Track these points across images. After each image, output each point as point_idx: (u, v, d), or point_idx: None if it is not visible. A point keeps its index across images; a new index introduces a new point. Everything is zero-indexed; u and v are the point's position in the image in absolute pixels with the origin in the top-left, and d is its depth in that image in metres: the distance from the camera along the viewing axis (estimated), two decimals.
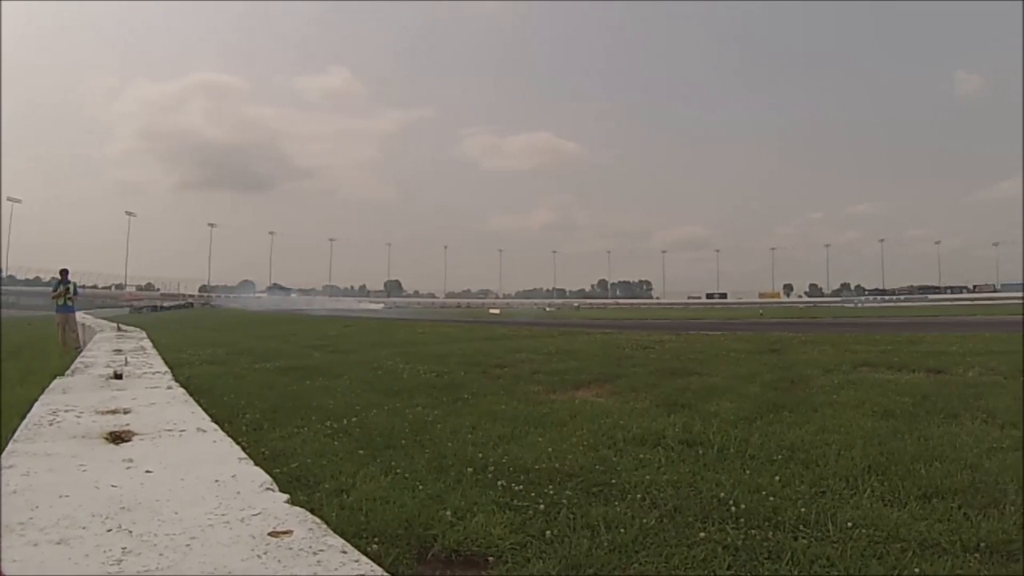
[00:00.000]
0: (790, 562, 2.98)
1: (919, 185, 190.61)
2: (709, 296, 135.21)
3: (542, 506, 3.69)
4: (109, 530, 1.24)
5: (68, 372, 4.02)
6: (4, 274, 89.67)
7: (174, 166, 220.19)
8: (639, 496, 3.87)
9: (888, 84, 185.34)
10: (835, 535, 3.23)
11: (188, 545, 1.18)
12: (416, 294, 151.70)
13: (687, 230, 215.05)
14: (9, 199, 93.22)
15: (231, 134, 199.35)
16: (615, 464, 4.52)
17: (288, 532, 1.24)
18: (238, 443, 2.04)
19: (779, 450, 4.79)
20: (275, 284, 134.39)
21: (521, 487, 4.01)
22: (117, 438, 1.97)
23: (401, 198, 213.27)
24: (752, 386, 7.95)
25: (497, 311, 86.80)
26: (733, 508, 3.60)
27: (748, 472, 4.28)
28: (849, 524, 3.34)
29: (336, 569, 1.10)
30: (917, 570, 2.86)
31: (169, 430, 2.11)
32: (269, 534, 1.23)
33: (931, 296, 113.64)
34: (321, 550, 1.16)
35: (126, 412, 2.41)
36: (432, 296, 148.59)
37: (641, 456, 4.73)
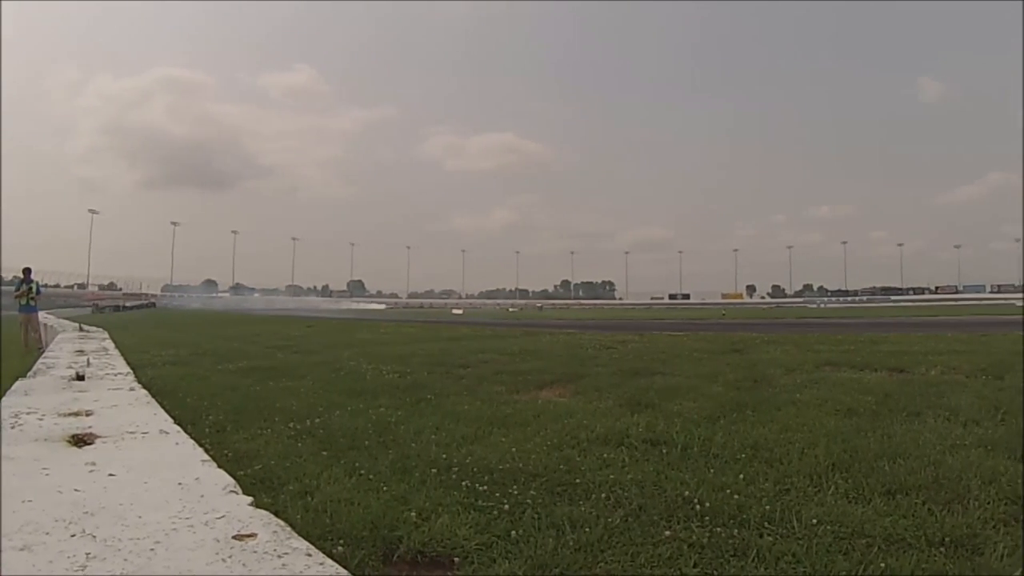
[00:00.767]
0: (756, 559, 3.00)
1: (881, 188, 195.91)
2: (672, 297, 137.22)
3: (507, 506, 3.69)
4: (73, 535, 1.24)
5: (30, 373, 3.95)
6: None
7: (137, 163, 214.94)
8: (604, 495, 3.88)
9: (851, 88, 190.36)
10: (800, 532, 3.26)
11: (152, 550, 1.19)
12: (379, 294, 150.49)
13: (649, 231, 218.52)
14: None
15: (194, 131, 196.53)
16: (579, 464, 4.53)
17: (252, 535, 1.25)
18: (201, 445, 2.05)
19: (743, 449, 4.83)
20: (238, 284, 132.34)
21: (485, 487, 4.01)
22: (80, 441, 1.96)
23: (364, 197, 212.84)
24: (715, 385, 8.05)
25: (460, 311, 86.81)
26: (698, 506, 3.61)
27: (712, 471, 4.31)
28: (814, 521, 3.36)
29: (301, 572, 1.12)
30: (883, 565, 2.89)
31: (132, 432, 2.10)
32: (233, 537, 1.24)
33: (893, 297, 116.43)
34: (286, 553, 1.18)
35: (88, 414, 2.40)
36: (395, 296, 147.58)
37: (605, 456, 4.75)
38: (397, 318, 48.62)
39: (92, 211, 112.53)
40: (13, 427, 2.15)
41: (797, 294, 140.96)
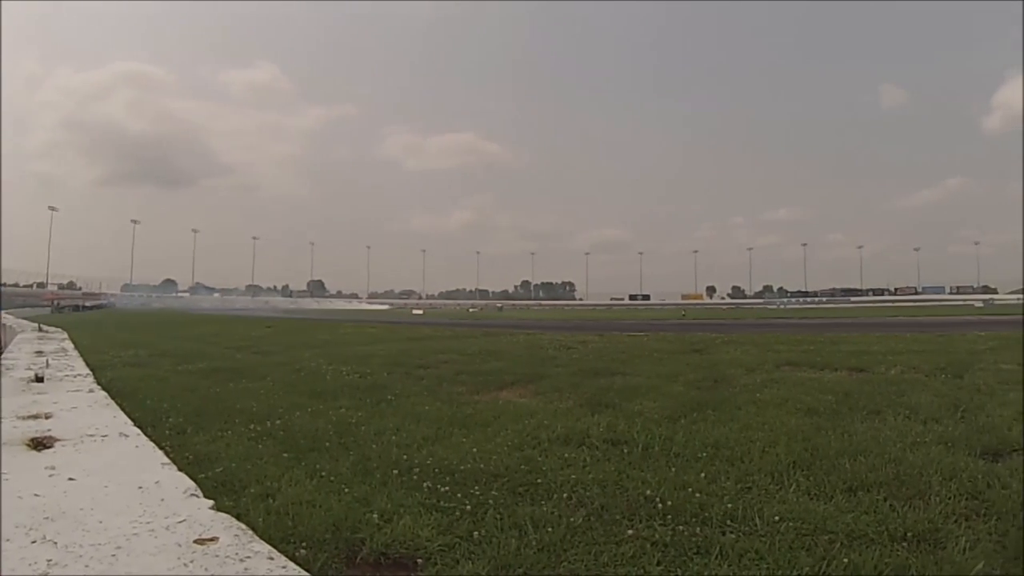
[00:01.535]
0: (719, 556, 3.05)
1: (840, 192, 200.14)
2: (632, 297, 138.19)
3: (469, 507, 3.73)
4: (33, 541, 1.24)
5: None
6: None
7: (95, 159, 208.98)
8: (566, 495, 3.93)
9: (813, 92, 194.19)
10: (763, 529, 3.32)
11: (114, 555, 1.19)
12: (339, 294, 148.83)
13: (608, 232, 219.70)
14: None
15: (153, 127, 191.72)
16: (541, 464, 4.59)
17: (214, 539, 1.26)
18: (161, 448, 2.04)
19: (704, 448, 4.91)
20: (198, 284, 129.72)
21: (447, 488, 4.04)
22: (39, 444, 1.94)
23: (323, 196, 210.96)
24: (675, 385, 8.19)
25: (420, 312, 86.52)
26: (660, 505, 3.67)
27: (674, 470, 4.37)
28: (776, 518, 3.43)
29: None
30: (846, 560, 2.95)
31: (92, 435, 2.08)
32: (195, 541, 1.25)
33: (853, 298, 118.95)
34: (248, 557, 1.19)
35: (48, 417, 2.37)
36: (355, 296, 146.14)
37: (566, 455, 4.81)
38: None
39: (52, 208, 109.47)
40: None
41: (757, 295, 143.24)
